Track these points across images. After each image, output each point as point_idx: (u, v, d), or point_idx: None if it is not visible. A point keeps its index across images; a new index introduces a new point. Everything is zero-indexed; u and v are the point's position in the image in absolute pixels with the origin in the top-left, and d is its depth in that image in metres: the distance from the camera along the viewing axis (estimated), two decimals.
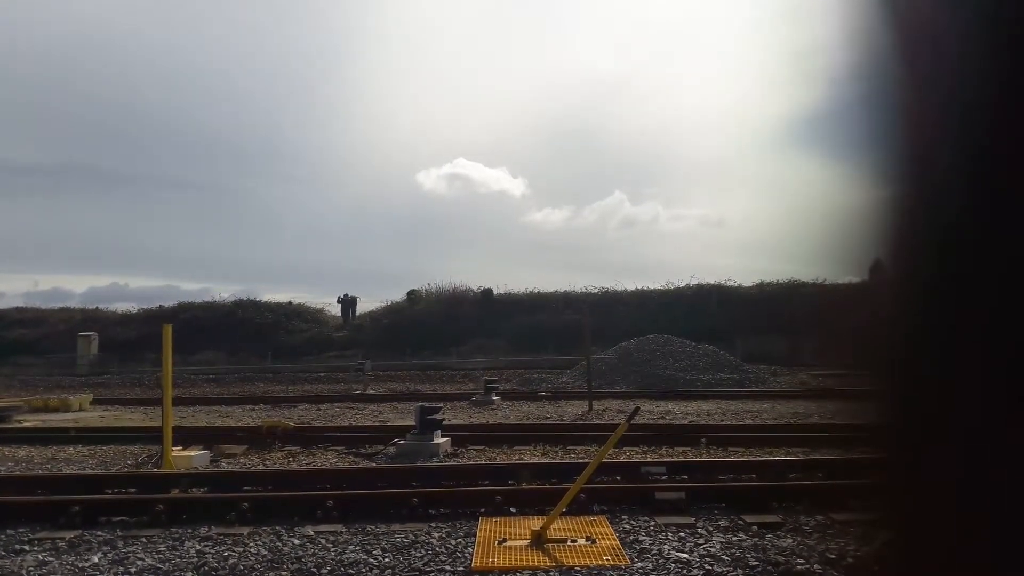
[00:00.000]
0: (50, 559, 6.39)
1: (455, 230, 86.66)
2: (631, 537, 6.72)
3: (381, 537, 6.84)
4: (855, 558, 5.28)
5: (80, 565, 6.20)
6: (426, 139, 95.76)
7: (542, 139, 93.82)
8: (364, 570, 5.97)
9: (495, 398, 20.61)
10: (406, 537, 6.80)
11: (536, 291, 44.47)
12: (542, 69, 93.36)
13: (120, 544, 6.78)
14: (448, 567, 6.01)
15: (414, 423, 11.49)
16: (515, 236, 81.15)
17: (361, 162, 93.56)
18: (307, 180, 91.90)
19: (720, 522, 7.17)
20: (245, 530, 7.10)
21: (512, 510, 7.67)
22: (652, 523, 7.15)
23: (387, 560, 6.18)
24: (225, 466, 10.99)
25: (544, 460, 10.86)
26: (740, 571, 5.78)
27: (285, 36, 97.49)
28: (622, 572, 5.79)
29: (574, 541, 6.55)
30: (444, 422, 11.98)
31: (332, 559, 6.22)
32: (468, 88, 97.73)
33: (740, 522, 7.14)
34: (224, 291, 59.51)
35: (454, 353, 38.02)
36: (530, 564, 6.00)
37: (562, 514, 6.81)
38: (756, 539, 6.60)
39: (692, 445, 11.80)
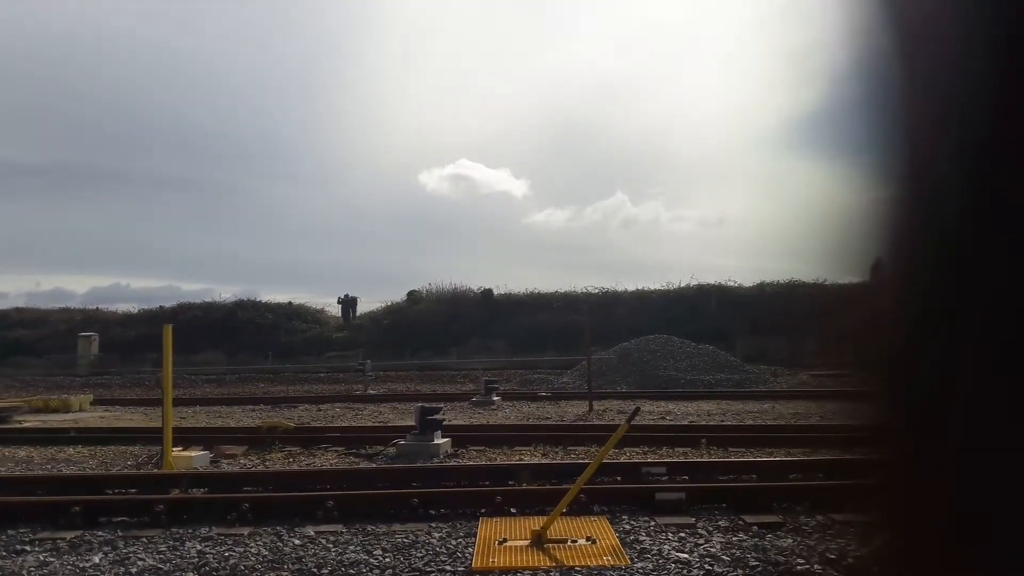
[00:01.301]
0: (51, 559, 6.39)
1: (457, 231, 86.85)
2: (631, 537, 6.72)
3: (381, 537, 6.84)
4: (855, 558, 5.28)
5: (81, 565, 6.20)
6: (428, 140, 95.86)
7: (544, 140, 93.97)
8: (365, 570, 5.97)
9: (495, 398, 20.61)
10: (406, 537, 6.80)
11: (537, 291, 44.53)
12: (544, 69, 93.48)
13: (121, 544, 6.78)
14: (449, 567, 6.01)
15: (414, 423, 11.49)
16: (516, 237, 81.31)
17: (363, 162, 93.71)
18: (308, 180, 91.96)
19: (720, 522, 7.17)
20: (246, 530, 7.10)
21: (512, 510, 7.67)
22: (652, 523, 7.15)
23: (387, 560, 6.18)
24: (225, 467, 10.99)
25: (544, 461, 10.86)
26: (740, 571, 5.77)
27: (286, 35, 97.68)
28: (622, 572, 5.78)
29: (574, 541, 6.55)
30: (444, 423, 11.99)
31: (333, 559, 6.22)
32: (470, 88, 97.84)
33: (740, 522, 7.14)
34: (225, 291, 59.68)
35: (454, 353, 38.04)
36: (530, 564, 6.00)
37: (562, 514, 6.81)
38: (756, 539, 6.60)
39: (692, 445, 11.80)
